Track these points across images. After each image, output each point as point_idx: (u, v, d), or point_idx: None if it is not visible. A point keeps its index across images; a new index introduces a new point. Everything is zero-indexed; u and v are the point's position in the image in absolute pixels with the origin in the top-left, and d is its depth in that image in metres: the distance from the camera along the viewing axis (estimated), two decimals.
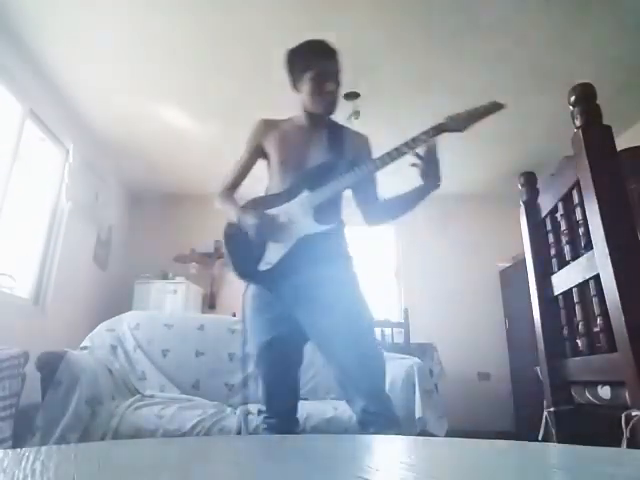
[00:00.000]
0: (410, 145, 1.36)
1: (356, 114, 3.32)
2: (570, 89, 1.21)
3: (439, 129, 1.37)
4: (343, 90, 3.20)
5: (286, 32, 2.74)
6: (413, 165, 1.40)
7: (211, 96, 3.40)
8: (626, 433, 0.97)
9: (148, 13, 2.61)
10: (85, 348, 2.43)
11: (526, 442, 0.65)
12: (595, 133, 1.14)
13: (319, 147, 1.51)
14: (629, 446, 0.97)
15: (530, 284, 1.54)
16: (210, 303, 4.76)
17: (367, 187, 1.58)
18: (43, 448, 0.45)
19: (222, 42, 2.85)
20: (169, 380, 2.39)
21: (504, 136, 3.92)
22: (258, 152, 1.58)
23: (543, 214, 1.53)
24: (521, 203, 1.64)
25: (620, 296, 0.98)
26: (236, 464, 0.46)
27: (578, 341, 1.31)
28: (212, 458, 0.49)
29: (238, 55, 2.97)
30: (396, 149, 1.38)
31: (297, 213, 1.43)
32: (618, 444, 1.00)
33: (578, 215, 1.25)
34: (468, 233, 4.98)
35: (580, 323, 1.29)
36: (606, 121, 1.15)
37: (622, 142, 1.17)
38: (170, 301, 4.30)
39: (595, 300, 1.18)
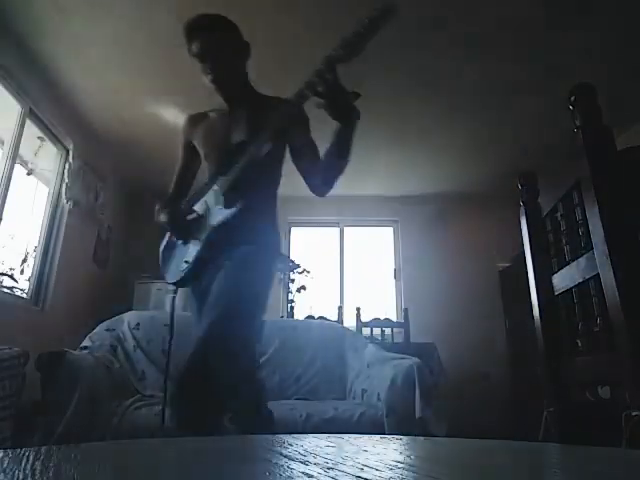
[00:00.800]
0: (308, 90, 1.20)
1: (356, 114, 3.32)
2: (570, 89, 1.21)
3: (331, 62, 1.19)
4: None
5: (286, 32, 2.75)
6: (319, 107, 1.21)
7: (211, 97, 3.40)
8: (626, 433, 0.97)
9: (148, 13, 2.61)
10: (85, 348, 2.43)
11: (526, 442, 0.65)
12: (595, 133, 1.14)
13: (239, 129, 1.38)
14: (629, 446, 0.97)
15: (530, 284, 1.54)
16: None
17: (306, 152, 1.41)
18: (43, 448, 0.45)
19: None
20: (169, 380, 2.39)
21: (504, 136, 3.93)
22: (190, 151, 1.51)
23: (543, 214, 1.53)
24: (521, 203, 1.63)
25: (620, 296, 0.98)
26: (236, 464, 0.46)
27: (578, 341, 1.31)
28: (212, 458, 0.49)
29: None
30: (295, 96, 1.24)
31: (212, 203, 1.34)
32: (618, 444, 1.00)
33: (578, 215, 1.26)
34: (468, 233, 4.98)
35: (580, 323, 1.29)
36: (606, 121, 1.15)
37: (622, 142, 1.17)
38: (170, 301, 4.29)
39: (595, 300, 1.18)
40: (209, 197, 1.36)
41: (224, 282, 1.23)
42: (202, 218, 1.35)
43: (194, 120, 1.52)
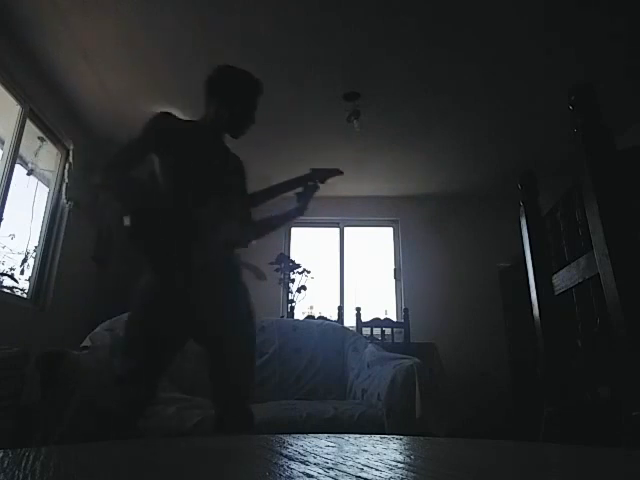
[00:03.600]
0: (290, 185, 1.72)
1: (356, 114, 3.32)
2: (570, 89, 1.21)
3: (309, 177, 1.72)
4: (343, 90, 3.25)
5: (288, 32, 2.75)
6: (296, 193, 1.73)
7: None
8: (626, 433, 0.97)
9: (149, 13, 2.61)
10: (85, 348, 2.42)
11: (526, 442, 0.65)
12: (595, 133, 1.14)
13: (217, 158, 1.59)
14: (629, 446, 0.97)
15: (530, 284, 1.54)
16: None
17: (246, 211, 1.73)
18: (43, 448, 0.45)
19: (223, 42, 2.85)
20: (169, 380, 2.39)
21: (504, 136, 3.93)
22: (156, 145, 1.52)
23: (543, 214, 1.53)
24: (521, 203, 1.63)
25: (620, 296, 0.98)
26: (236, 464, 0.46)
27: (578, 341, 1.31)
28: (212, 458, 0.49)
29: (239, 56, 2.97)
30: (280, 186, 1.72)
31: (213, 220, 1.45)
32: (618, 444, 1.00)
33: (578, 215, 1.26)
34: (468, 233, 4.99)
35: (580, 323, 1.29)
36: (606, 121, 1.15)
37: (622, 142, 1.17)
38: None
39: (595, 300, 1.18)
40: (203, 212, 1.44)
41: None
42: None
43: (174, 123, 1.54)
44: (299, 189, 1.72)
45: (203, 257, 1.40)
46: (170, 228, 1.40)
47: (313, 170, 1.72)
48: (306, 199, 1.72)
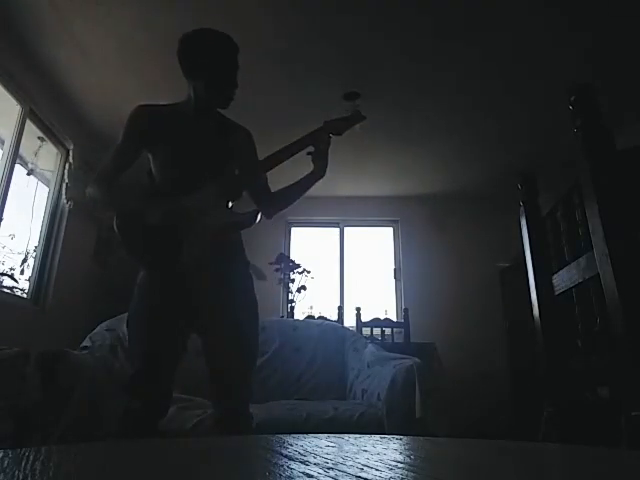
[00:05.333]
0: (300, 144, 1.45)
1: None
2: (570, 89, 1.21)
3: (321, 131, 1.48)
4: (343, 90, 3.25)
5: (288, 32, 2.75)
6: (308, 153, 1.48)
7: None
8: (626, 433, 0.97)
9: (149, 13, 2.61)
10: (85, 348, 2.42)
11: (526, 442, 0.65)
12: (595, 133, 1.14)
13: (209, 137, 1.48)
14: (629, 446, 0.97)
15: (530, 284, 1.54)
16: None
17: (261, 182, 1.57)
18: (43, 448, 0.45)
19: None
20: None
21: (503, 136, 3.93)
22: (141, 141, 1.46)
23: (543, 214, 1.53)
24: (521, 203, 1.64)
25: (620, 296, 0.98)
26: (236, 464, 0.46)
27: (578, 341, 1.31)
28: (212, 458, 0.49)
29: (239, 55, 2.96)
30: (290, 146, 1.45)
31: (206, 205, 1.35)
32: (618, 444, 1.00)
33: (578, 215, 1.26)
34: (468, 233, 4.98)
35: (580, 323, 1.29)
36: (606, 121, 1.15)
37: (622, 142, 1.17)
38: None
39: (595, 300, 1.18)
40: (199, 198, 1.34)
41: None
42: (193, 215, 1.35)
43: (154, 112, 1.50)
44: (311, 148, 1.47)
45: (195, 250, 1.32)
46: (157, 228, 1.32)
47: (326, 123, 1.48)
48: (321, 159, 1.47)
